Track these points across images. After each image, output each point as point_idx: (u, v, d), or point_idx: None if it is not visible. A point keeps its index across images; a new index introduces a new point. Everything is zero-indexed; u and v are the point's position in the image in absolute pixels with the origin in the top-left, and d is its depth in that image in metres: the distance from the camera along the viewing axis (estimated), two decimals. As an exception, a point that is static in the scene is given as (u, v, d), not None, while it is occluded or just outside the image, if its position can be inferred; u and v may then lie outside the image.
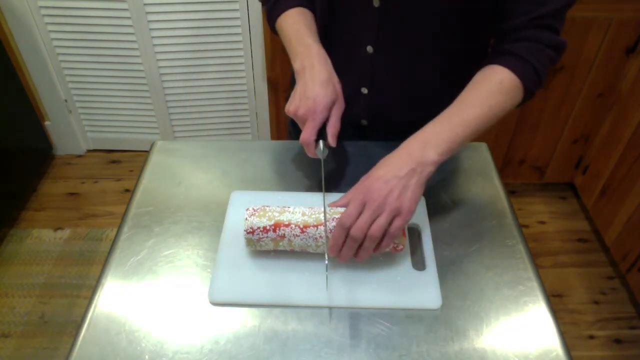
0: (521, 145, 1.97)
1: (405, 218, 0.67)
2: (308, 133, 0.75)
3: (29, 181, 2.13)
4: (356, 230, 0.66)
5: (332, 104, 0.78)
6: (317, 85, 0.77)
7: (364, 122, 0.97)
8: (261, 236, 0.70)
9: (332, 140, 0.77)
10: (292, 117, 0.79)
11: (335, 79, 0.81)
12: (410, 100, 0.92)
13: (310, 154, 0.78)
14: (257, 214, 0.71)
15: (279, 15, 0.87)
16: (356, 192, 0.69)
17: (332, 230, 0.69)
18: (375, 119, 0.96)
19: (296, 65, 0.81)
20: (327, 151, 0.78)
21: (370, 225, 0.66)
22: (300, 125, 0.78)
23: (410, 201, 0.67)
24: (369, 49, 0.87)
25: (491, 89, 0.75)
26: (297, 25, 0.85)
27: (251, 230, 0.70)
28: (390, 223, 0.66)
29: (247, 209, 0.72)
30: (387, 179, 0.67)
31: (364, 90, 0.92)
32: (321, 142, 0.77)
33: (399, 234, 0.68)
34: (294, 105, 0.77)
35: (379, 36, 0.85)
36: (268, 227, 0.70)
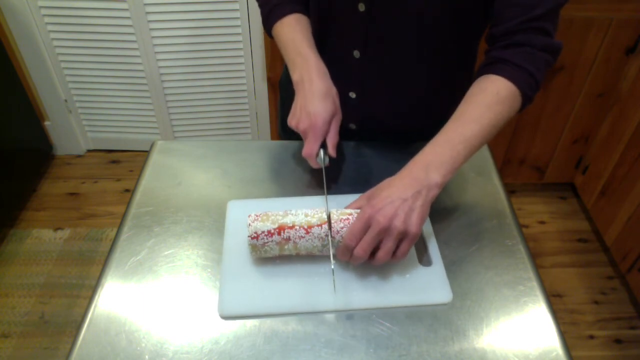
0: (521, 145, 1.97)
1: (412, 241, 0.67)
2: (310, 147, 0.79)
3: (29, 181, 2.13)
4: (359, 251, 0.66)
5: (332, 118, 0.81)
6: (316, 100, 0.79)
7: (353, 126, 0.97)
8: (266, 240, 0.69)
9: (332, 151, 0.81)
10: (294, 130, 0.81)
11: (334, 90, 0.83)
12: (398, 104, 0.92)
13: (313, 165, 0.81)
14: (260, 219, 0.70)
15: (275, 21, 0.88)
16: (361, 212, 0.68)
17: (338, 232, 0.69)
18: (364, 124, 0.96)
19: (295, 76, 0.83)
20: (327, 159, 0.81)
21: (372, 246, 0.66)
22: (302, 137, 0.81)
23: (416, 224, 0.66)
24: (356, 53, 0.87)
25: (488, 100, 0.73)
26: (294, 34, 0.85)
27: (255, 235, 0.69)
28: (397, 246, 0.67)
29: (250, 216, 0.71)
30: (392, 199, 0.67)
31: (352, 95, 0.92)
32: (322, 152, 0.80)
33: (405, 256, 0.68)
34: (295, 120, 0.81)
35: (365, 41, 0.85)
36: (272, 231, 0.69)
